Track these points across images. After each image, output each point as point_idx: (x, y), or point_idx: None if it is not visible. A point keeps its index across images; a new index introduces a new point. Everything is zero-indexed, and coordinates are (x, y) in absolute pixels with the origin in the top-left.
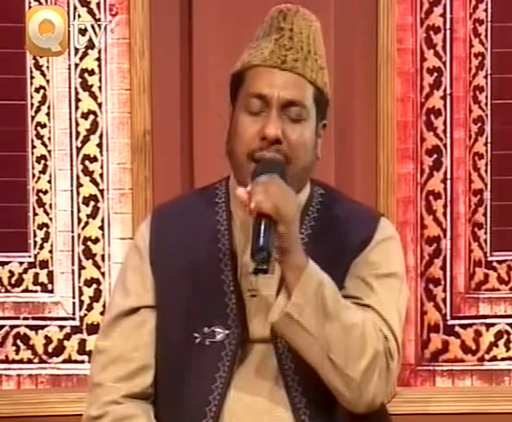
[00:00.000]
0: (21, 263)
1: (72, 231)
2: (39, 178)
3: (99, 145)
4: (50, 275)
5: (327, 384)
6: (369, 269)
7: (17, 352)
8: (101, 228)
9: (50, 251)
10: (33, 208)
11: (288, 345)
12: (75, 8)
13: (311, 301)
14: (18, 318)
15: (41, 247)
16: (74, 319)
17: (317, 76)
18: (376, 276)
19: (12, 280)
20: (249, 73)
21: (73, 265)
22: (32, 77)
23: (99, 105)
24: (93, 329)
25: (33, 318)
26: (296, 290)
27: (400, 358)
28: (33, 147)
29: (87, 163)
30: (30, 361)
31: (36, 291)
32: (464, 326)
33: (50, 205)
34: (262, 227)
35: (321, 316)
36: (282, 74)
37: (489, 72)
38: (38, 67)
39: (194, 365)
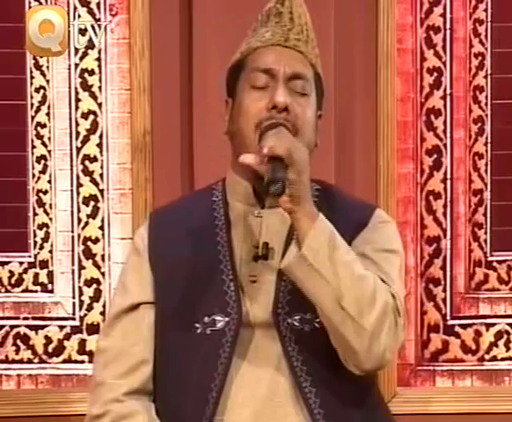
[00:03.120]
0: (21, 263)
1: (72, 231)
2: (39, 178)
3: (99, 145)
4: (50, 275)
5: (337, 338)
6: (368, 246)
7: (17, 352)
8: (101, 228)
9: (50, 251)
10: (33, 208)
11: (299, 287)
12: (75, 8)
13: (325, 246)
14: (18, 318)
15: (41, 247)
16: (74, 319)
17: (316, 61)
18: (376, 250)
19: (12, 280)
20: (250, 57)
21: (73, 265)
22: (32, 77)
23: (99, 105)
24: (93, 329)
25: (33, 318)
26: (311, 235)
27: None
28: (33, 147)
29: (87, 163)
30: (30, 361)
31: (36, 291)
32: (464, 326)
33: (50, 205)
34: (276, 164)
35: (334, 263)
36: (286, 50)
37: (489, 72)
38: (38, 67)
39: (197, 355)
